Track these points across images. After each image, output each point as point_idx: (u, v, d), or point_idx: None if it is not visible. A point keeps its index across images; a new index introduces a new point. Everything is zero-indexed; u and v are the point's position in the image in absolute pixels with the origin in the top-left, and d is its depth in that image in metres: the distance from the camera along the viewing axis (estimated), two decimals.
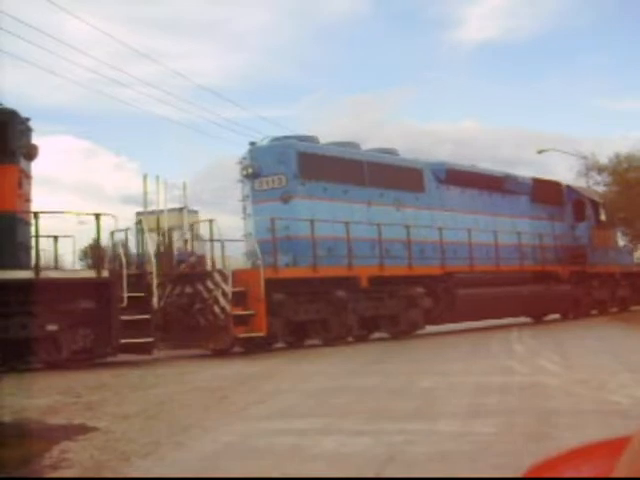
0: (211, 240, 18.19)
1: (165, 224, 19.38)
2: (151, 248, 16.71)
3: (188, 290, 17.82)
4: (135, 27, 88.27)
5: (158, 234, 19.56)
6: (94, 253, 19.22)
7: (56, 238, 17.44)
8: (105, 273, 15.58)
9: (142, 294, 15.84)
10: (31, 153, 16.03)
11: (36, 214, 15.02)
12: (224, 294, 17.12)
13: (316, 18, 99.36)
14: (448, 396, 9.69)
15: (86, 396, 10.74)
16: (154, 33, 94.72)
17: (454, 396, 9.66)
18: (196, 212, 41.33)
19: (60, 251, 16.11)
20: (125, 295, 15.39)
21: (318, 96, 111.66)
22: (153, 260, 16.19)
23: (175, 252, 20.48)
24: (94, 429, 7.92)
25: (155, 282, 15.99)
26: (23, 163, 15.73)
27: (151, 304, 15.85)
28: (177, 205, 41.52)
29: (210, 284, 17.41)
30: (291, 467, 6.00)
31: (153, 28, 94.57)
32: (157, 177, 20.35)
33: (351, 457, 6.29)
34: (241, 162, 20.52)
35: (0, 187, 15.03)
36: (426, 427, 7.47)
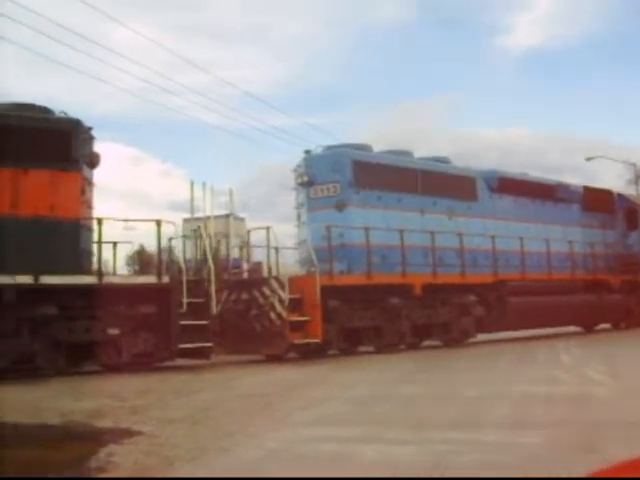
0: (267, 247, 18.39)
1: (212, 230, 19.56)
2: (209, 254, 16.93)
3: (244, 296, 18.06)
4: (183, 36, 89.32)
5: (196, 241, 19.75)
6: (141, 258, 19.42)
7: (115, 244, 17.77)
8: (165, 279, 15.84)
9: (200, 300, 16.07)
10: (93, 161, 16.41)
11: (99, 220, 15.35)
12: (280, 300, 17.34)
13: (362, 25, 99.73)
14: (493, 405, 9.64)
15: (132, 400, 10.88)
16: (201, 42, 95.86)
17: (500, 405, 9.60)
18: (242, 219, 41.78)
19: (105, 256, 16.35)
20: (185, 301, 15.66)
21: (364, 103, 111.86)
22: (212, 266, 16.41)
23: (226, 259, 20.72)
24: (139, 433, 8.03)
25: (214, 288, 16.19)
26: (86, 171, 16.11)
27: (210, 310, 16.07)
28: (223, 212, 42.05)
29: (267, 290, 17.62)
30: (334, 475, 6.01)
31: (200, 37, 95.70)
32: (204, 184, 20.72)
33: (395, 466, 6.23)
34: (296, 170, 20.77)
35: (64, 194, 15.41)
36: (471, 437, 7.42)
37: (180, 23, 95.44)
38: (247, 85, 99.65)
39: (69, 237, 15.30)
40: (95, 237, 15.72)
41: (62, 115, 16.13)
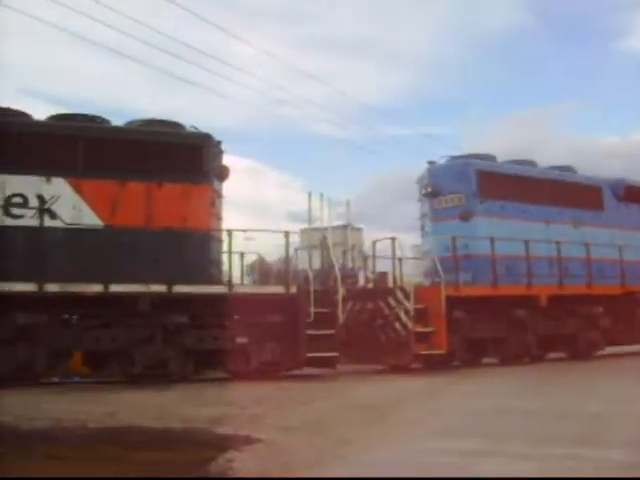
0: (393, 258, 18.48)
1: (330, 241, 19.71)
2: (336, 264, 17.13)
3: (369, 306, 18.19)
4: (298, 48, 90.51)
5: (322, 251, 19.94)
6: (260, 268, 19.69)
7: (242, 255, 18.21)
8: (293, 289, 16.10)
9: (326, 309, 16.26)
10: (223, 174, 16.88)
11: (229, 232, 15.75)
12: (406, 311, 17.37)
13: (476, 33, 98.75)
14: (619, 423, 9.36)
15: (251, 408, 11.05)
16: (317, 54, 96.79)
17: (625, 423, 9.31)
18: (359, 229, 42.00)
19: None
20: (312, 310, 15.88)
21: (480, 112, 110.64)
22: (338, 276, 16.59)
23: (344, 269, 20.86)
24: (258, 440, 8.14)
25: (340, 298, 16.36)
26: (215, 183, 16.58)
27: (336, 319, 16.23)
28: (341, 222, 42.36)
29: (392, 301, 17.69)
30: None
31: (316, 49, 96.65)
32: (321, 195, 20.89)
33: None
34: (420, 181, 20.81)
35: (195, 206, 15.92)
36: (595, 454, 7.16)
37: (295, 36, 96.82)
38: (363, 96, 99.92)
39: (200, 248, 15.78)
40: (224, 248, 16.18)
41: (193, 130, 16.67)
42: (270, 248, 19.42)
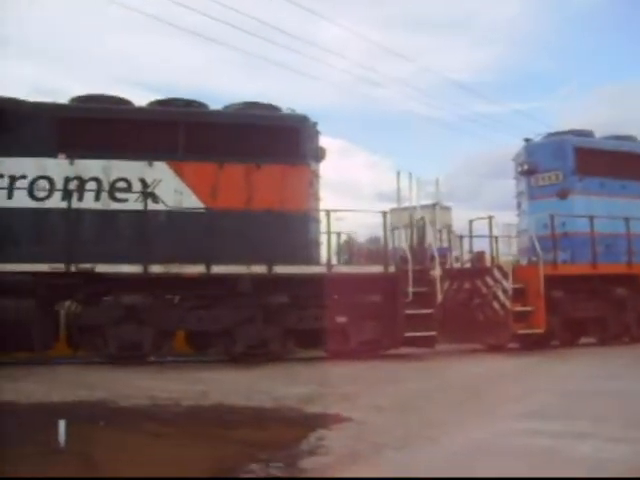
0: (490, 237, 18.38)
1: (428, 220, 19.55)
2: (434, 244, 17.13)
3: (466, 286, 18.14)
4: (384, 26, 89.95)
5: (412, 230, 19.87)
6: (349, 248, 19.76)
7: (339, 235, 18.32)
8: (392, 268, 16.15)
9: (424, 289, 16.27)
10: (319, 155, 17.00)
11: (328, 212, 15.87)
12: (504, 290, 17.26)
13: (566, 5, 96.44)
14: None
15: (342, 387, 11.07)
16: (403, 32, 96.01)
17: None
18: (448, 208, 41.59)
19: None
20: (410, 290, 15.92)
21: (572, 87, 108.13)
22: (436, 255, 16.60)
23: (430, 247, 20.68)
24: (348, 419, 8.19)
25: (438, 278, 16.36)
26: (313, 164, 16.72)
27: (434, 299, 16.23)
28: (430, 201, 42.00)
29: (489, 280, 17.61)
30: (546, 471, 5.87)
31: (402, 27, 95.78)
32: (410, 174, 20.67)
33: (610, 464, 6.04)
34: (516, 159, 20.59)
35: (293, 187, 16.12)
36: None
37: (380, 14, 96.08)
38: (451, 73, 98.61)
39: (299, 228, 15.96)
40: (323, 228, 16.34)
41: (290, 111, 16.82)
42: (360, 228, 19.42)
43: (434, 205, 38.66)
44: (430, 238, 17.66)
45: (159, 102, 16.51)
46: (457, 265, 20.16)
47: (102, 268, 14.72)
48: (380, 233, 18.09)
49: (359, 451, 6.53)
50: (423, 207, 36.57)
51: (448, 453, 6.55)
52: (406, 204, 22.27)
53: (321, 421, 8.03)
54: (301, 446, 6.77)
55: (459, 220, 25.35)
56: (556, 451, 6.51)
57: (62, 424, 6.96)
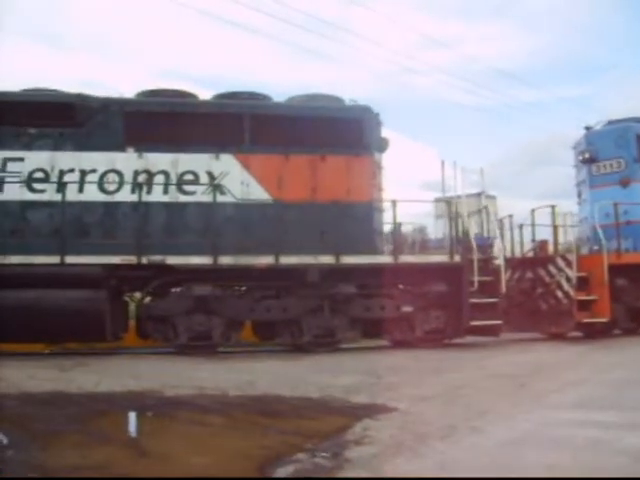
0: (553, 225, 18.35)
1: (464, 209, 19.52)
2: (498, 233, 17.14)
3: (529, 275, 18.14)
4: (426, 14, 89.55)
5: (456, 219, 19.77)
6: (395, 238, 19.73)
7: (399, 225, 18.36)
8: (457, 258, 16.22)
9: (488, 278, 16.31)
10: (382, 145, 17.07)
11: (394, 202, 15.95)
12: (568, 279, 17.24)
13: None
14: None
15: (387, 377, 11.10)
16: (447, 19, 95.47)
17: None
18: (493, 197, 41.49)
19: None
20: (476, 279, 15.98)
21: (619, 73, 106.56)
22: (501, 245, 16.64)
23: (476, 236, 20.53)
24: (394, 409, 8.18)
25: (503, 267, 16.39)
26: (376, 155, 16.80)
27: (499, 288, 16.27)
28: (475, 190, 41.90)
29: (552, 269, 17.59)
30: (592, 461, 5.79)
31: (446, 14, 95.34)
32: (454, 163, 20.59)
33: None
34: (576, 147, 20.46)
35: (357, 178, 16.23)
36: None
37: (422, 2, 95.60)
38: (496, 61, 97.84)
39: (363, 219, 16.06)
40: (386, 218, 16.48)
41: (352, 103, 16.93)
42: (406, 218, 19.42)
43: (480, 194, 38.61)
44: (495, 228, 17.64)
45: (223, 95, 16.68)
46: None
47: (172, 260, 14.97)
48: (426, 222, 18.12)
49: (403, 441, 6.56)
50: (468, 196, 36.43)
51: (492, 443, 6.54)
52: (451, 193, 22.09)
53: (367, 411, 8.07)
54: (346, 436, 6.82)
55: (505, 209, 24.99)
56: (602, 441, 6.46)
57: (132, 416, 7.11)
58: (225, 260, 15.11)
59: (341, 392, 9.54)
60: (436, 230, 19.01)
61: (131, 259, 14.83)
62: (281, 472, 5.55)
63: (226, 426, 7.44)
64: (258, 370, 12.46)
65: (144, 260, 14.86)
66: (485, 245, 19.47)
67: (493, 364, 13.12)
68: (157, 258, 14.92)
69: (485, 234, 19.55)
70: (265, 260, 15.23)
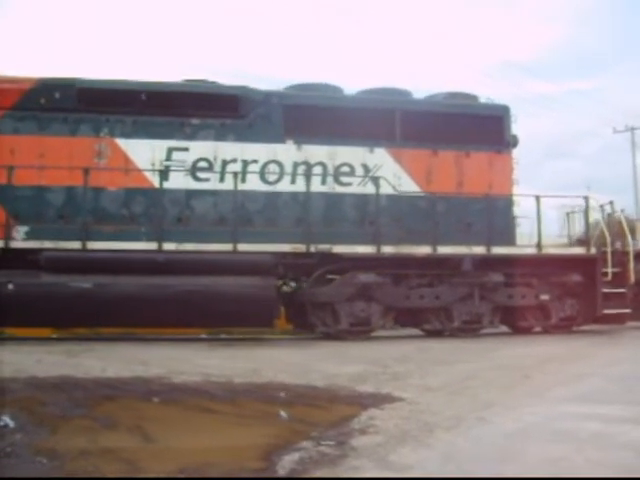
0: None
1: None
2: (626, 227, 18.04)
3: None
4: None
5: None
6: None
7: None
8: (593, 250, 17.20)
9: (617, 269, 17.32)
10: (515, 142, 17.92)
11: (538, 197, 16.86)
12: None
13: None
14: None
15: (393, 367, 11.05)
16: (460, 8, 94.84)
17: None
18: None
19: None
20: (609, 270, 16.99)
21: (630, 65, 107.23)
22: (629, 238, 17.61)
23: None
24: (399, 399, 8.12)
25: (632, 258, 17.40)
26: (512, 151, 17.70)
27: (628, 278, 17.30)
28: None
29: None
30: (595, 454, 5.73)
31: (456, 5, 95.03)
32: None
33: None
34: None
35: (499, 174, 17.18)
36: None
37: None
38: (509, 53, 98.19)
39: (504, 212, 17.01)
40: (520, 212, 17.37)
41: (489, 101, 17.77)
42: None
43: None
44: (623, 222, 18.53)
45: (371, 91, 17.29)
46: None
47: (338, 249, 15.65)
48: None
49: (409, 431, 6.53)
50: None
51: (498, 435, 6.51)
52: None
53: (372, 400, 8.00)
54: (352, 425, 6.78)
55: None
56: (606, 435, 6.40)
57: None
58: (388, 249, 15.85)
59: (347, 381, 9.46)
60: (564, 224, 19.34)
61: (300, 247, 15.48)
62: (287, 460, 5.53)
63: (230, 413, 7.37)
64: (265, 358, 12.41)
65: (312, 248, 15.51)
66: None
67: (501, 355, 13.06)
68: (324, 247, 15.58)
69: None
70: (423, 250, 16.02)
